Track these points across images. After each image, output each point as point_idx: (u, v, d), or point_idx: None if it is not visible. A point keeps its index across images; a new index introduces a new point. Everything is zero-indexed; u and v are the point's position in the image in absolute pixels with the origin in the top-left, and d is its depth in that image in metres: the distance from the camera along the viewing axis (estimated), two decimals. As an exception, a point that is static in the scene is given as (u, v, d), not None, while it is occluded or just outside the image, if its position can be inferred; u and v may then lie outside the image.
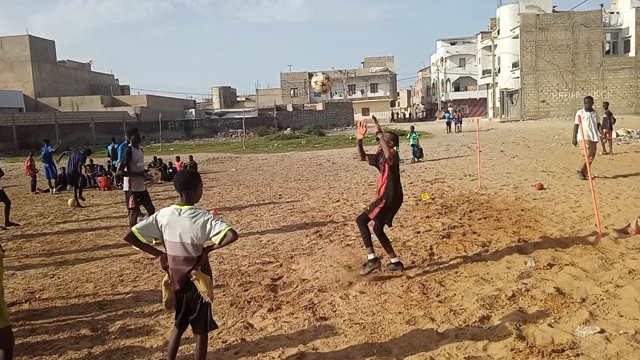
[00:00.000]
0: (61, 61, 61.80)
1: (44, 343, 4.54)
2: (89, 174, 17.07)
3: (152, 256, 5.25)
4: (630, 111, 44.21)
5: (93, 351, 4.33)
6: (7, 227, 10.00)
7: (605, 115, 17.19)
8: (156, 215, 3.53)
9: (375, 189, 5.96)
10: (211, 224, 3.39)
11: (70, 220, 10.74)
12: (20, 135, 38.82)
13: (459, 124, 37.85)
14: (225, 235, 3.34)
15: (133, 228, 3.50)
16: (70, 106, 51.23)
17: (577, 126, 11.33)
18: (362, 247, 7.12)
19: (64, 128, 41.81)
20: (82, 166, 14.47)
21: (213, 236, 3.38)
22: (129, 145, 8.38)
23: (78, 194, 13.18)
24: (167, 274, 3.54)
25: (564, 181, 11.65)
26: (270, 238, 8.11)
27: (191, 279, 3.43)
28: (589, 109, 11.73)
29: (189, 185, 3.52)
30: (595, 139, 11.84)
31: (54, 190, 15.77)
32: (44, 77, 55.25)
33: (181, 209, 3.46)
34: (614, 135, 18.69)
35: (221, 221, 3.44)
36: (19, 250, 8.21)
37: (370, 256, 5.74)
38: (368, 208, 5.92)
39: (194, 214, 3.43)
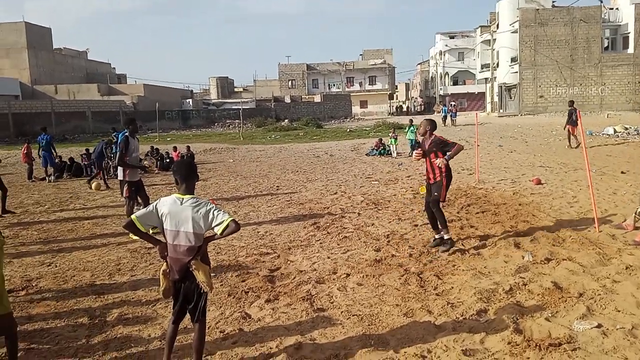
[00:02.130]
0: (57, 49, 61.32)
1: (41, 331, 4.54)
2: (85, 163, 17.04)
3: (150, 245, 5.25)
4: (627, 108, 44.23)
5: (91, 340, 4.32)
6: (3, 215, 9.97)
7: (568, 112, 17.16)
8: (156, 204, 3.51)
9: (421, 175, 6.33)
10: (213, 214, 3.39)
11: (67, 209, 10.71)
12: (16, 123, 38.65)
13: (454, 118, 37.77)
14: (227, 225, 3.34)
15: (132, 216, 3.48)
16: (67, 94, 50.96)
17: None
18: (359, 239, 7.15)
19: (60, 116, 41.62)
20: (107, 150, 15.02)
21: (215, 226, 3.37)
22: (126, 134, 8.33)
23: (102, 179, 14.27)
24: (165, 263, 3.54)
25: (562, 176, 11.68)
26: (268, 229, 8.11)
27: (190, 269, 3.42)
28: None
29: (190, 175, 3.54)
30: None
31: (52, 178, 15.72)
32: (40, 65, 54.88)
33: (183, 198, 3.45)
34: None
35: (223, 212, 3.43)
36: (16, 238, 8.19)
37: (447, 236, 6.36)
38: (436, 194, 6.38)
39: (197, 203, 3.43)
